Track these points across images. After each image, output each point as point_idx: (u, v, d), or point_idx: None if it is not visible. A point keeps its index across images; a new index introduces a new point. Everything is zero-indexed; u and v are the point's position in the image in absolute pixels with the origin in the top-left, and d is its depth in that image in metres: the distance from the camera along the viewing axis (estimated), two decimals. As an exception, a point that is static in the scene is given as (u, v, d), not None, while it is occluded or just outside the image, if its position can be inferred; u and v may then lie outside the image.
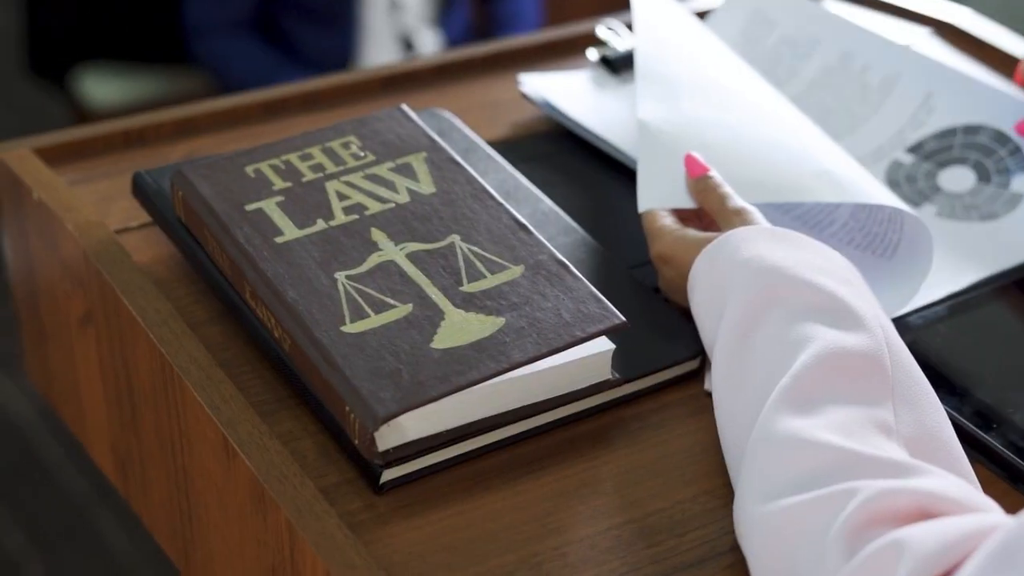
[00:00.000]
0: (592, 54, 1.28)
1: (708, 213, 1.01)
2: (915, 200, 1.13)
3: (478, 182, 1.01)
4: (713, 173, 1.02)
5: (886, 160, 1.16)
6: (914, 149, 1.16)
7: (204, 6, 2.77)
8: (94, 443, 1.14)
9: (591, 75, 1.26)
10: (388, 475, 0.87)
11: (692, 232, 0.99)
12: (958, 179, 1.14)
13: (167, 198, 1.02)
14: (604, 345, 0.93)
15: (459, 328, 0.90)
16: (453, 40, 2.79)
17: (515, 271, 0.94)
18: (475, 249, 0.96)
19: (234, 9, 2.76)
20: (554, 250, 0.96)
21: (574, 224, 1.07)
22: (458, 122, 1.16)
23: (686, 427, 0.95)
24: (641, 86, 1.10)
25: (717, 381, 0.89)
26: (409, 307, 0.91)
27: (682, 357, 0.98)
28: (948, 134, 1.16)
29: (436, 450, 0.88)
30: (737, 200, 1.00)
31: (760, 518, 0.80)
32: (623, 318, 0.92)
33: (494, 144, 1.18)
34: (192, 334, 0.96)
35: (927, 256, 1.02)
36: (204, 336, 0.98)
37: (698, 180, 1.02)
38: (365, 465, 0.88)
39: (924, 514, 0.74)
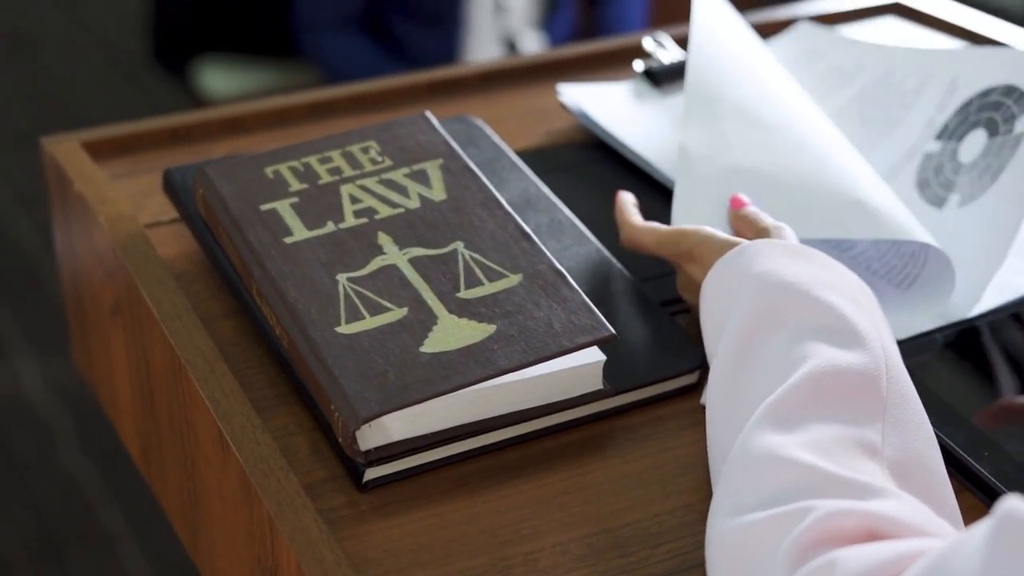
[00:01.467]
0: (638, 66, 1.29)
1: (746, 237, 1.02)
2: (941, 195, 1.12)
3: (489, 190, 1.03)
4: (752, 207, 1.03)
5: (918, 156, 1.16)
6: (940, 134, 1.15)
7: (314, 2, 2.82)
8: (124, 427, 1.18)
9: (632, 87, 1.27)
10: (371, 474, 0.90)
11: (721, 235, 1.00)
12: (973, 145, 1.13)
13: (192, 195, 1.06)
14: (595, 356, 0.95)
15: (450, 333, 0.92)
16: (557, 43, 2.82)
17: (513, 279, 0.96)
18: (476, 256, 0.98)
19: (343, 6, 2.81)
20: (554, 260, 0.98)
21: (590, 235, 1.09)
22: (488, 129, 1.18)
23: (677, 440, 0.96)
24: (688, 105, 1.11)
25: (711, 393, 0.90)
26: (404, 311, 0.94)
27: (679, 371, 0.99)
28: (965, 106, 1.15)
29: (420, 452, 0.91)
30: (770, 219, 1.01)
31: (723, 533, 0.81)
32: (612, 330, 0.93)
33: (528, 152, 1.20)
34: (202, 328, 0.99)
35: (944, 294, 1.02)
36: (216, 331, 1.01)
37: (737, 211, 1.03)
38: (351, 463, 0.90)
39: (872, 536, 0.74)
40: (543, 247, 0.99)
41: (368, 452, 0.89)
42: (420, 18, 2.75)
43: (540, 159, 1.20)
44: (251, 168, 1.04)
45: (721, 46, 1.17)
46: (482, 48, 2.74)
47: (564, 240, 1.08)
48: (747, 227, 1.02)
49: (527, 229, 1.00)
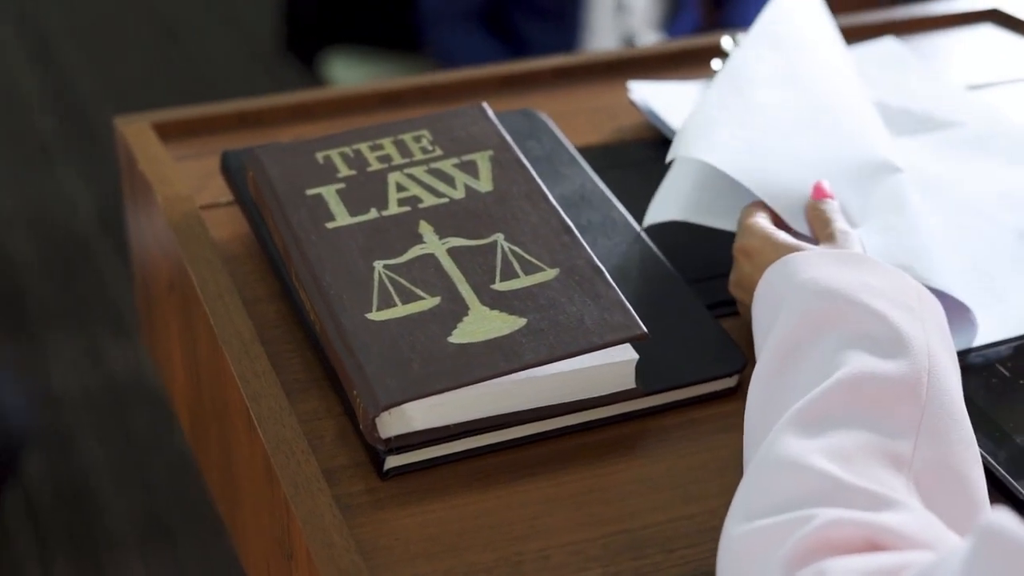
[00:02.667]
0: (716, 65, 1.27)
1: (816, 230, 1.01)
2: None
3: (536, 183, 1.02)
4: (833, 202, 1.01)
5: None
6: None
7: (438, -5, 2.84)
8: (178, 403, 1.20)
9: (703, 87, 1.25)
10: (392, 462, 0.90)
11: (783, 236, 0.98)
12: None
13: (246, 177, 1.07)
14: (628, 354, 0.93)
15: (480, 325, 0.92)
16: (678, 44, 2.79)
17: (549, 273, 0.95)
18: (516, 249, 0.97)
19: (465, 1, 2.82)
20: (593, 256, 0.97)
21: (642, 234, 1.08)
22: (551, 124, 1.17)
23: (708, 444, 0.94)
24: (711, 89, 1.10)
25: (750, 397, 0.89)
26: (437, 300, 0.93)
27: (717, 374, 0.97)
28: None
29: (442, 443, 0.90)
30: (841, 224, 0.99)
31: (732, 538, 0.79)
32: (644, 329, 0.92)
33: (594, 148, 1.19)
34: (242, 309, 1.00)
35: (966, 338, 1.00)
36: (258, 313, 1.02)
37: (816, 203, 1.01)
38: (374, 450, 0.90)
39: (872, 547, 0.72)
40: (583, 242, 0.98)
41: (389, 440, 0.89)
42: (541, 15, 2.75)
43: (606, 155, 1.19)
44: (302, 152, 1.04)
45: (775, 42, 1.15)
46: (601, 46, 2.72)
47: (615, 238, 1.07)
48: (818, 224, 1.00)
49: (569, 223, 0.99)
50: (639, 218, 1.09)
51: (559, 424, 0.93)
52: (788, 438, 0.81)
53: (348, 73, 3.19)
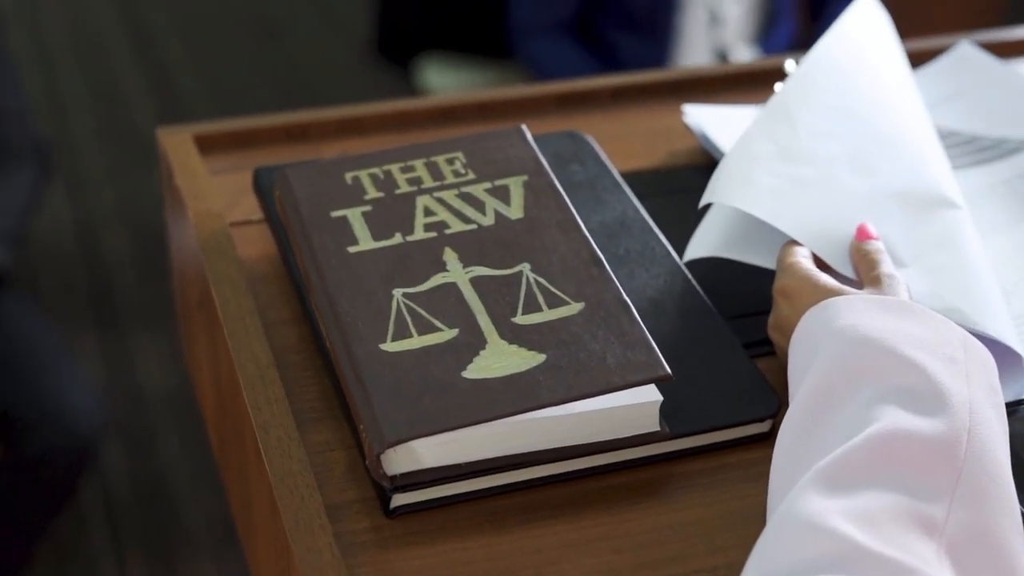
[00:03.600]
0: (779, 88, 1.22)
1: (861, 274, 0.96)
2: None
3: (569, 211, 0.98)
4: (878, 243, 0.96)
5: None
6: None
7: (529, 5, 2.81)
8: (208, 420, 1.17)
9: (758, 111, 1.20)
10: (399, 500, 0.86)
11: (825, 278, 0.93)
12: None
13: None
14: (651, 395, 0.89)
15: (497, 360, 0.88)
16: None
17: (573, 308, 0.91)
18: (541, 280, 0.93)
19: (557, 11, 2.78)
20: (621, 291, 0.92)
21: (682, 266, 1.03)
22: (596, 147, 1.13)
23: (736, 492, 0.90)
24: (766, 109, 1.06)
25: (777, 447, 0.84)
26: (454, 332, 0.90)
27: (749, 418, 0.93)
28: None
29: (451, 482, 0.87)
30: (887, 267, 0.94)
31: None
32: (667, 370, 0.88)
33: (644, 173, 1.15)
34: (262, 332, 0.97)
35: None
36: (280, 336, 0.99)
37: (860, 245, 0.96)
38: (382, 486, 0.87)
39: None
40: (612, 276, 0.93)
41: (395, 477, 0.85)
42: (633, 27, 2.70)
43: (655, 180, 1.15)
44: (332, 172, 1.01)
45: (834, 67, 1.10)
46: (693, 59, 2.67)
47: (653, 269, 1.02)
48: (863, 266, 0.95)
49: (599, 255, 0.95)
50: (681, 248, 1.05)
51: (578, 466, 0.90)
52: (810, 495, 0.76)
53: (442, 79, 3.17)
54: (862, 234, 0.97)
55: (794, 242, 0.97)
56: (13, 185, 2.32)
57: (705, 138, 1.17)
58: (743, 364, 0.96)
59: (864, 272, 0.94)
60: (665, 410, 0.91)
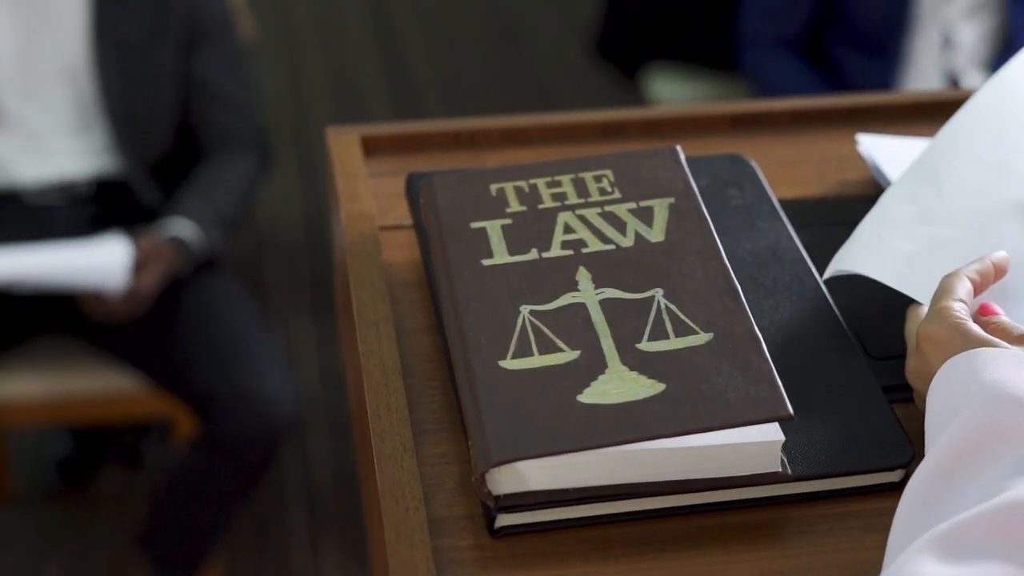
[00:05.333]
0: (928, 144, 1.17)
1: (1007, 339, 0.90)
2: None
3: (711, 237, 0.95)
4: (1003, 317, 0.91)
5: None
6: None
7: (756, 19, 2.77)
8: (354, 423, 1.18)
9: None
10: (504, 520, 0.85)
11: (976, 329, 0.88)
12: None
13: (423, 203, 1.04)
14: (773, 434, 0.86)
15: (615, 386, 0.86)
16: (1008, 84, 2.62)
17: (701, 338, 0.89)
18: (672, 307, 0.91)
19: (784, 27, 2.73)
20: (753, 324, 0.89)
21: (830, 301, 0.99)
22: (758, 172, 1.10)
23: (855, 543, 0.86)
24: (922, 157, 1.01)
25: (903, 502, 0.80)
26: (576, 354, 0.88)
27: (879, 466, 0.89)
28: None
29: (557, 506, 0.85)
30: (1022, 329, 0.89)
31: None
32: (790, 410, 0.84)
33: (808, 200, 1.12)
34: (394, 339, 0.97)
35: None
36: (413, 344, 0.99)
37: (988, 319, 0.90)
38: (488, 505, 0.86)
39: None
40: (746, 307, 0.90)
41: (500, 497, 0.84)
42: (861, 46, 2.63)
43: (819, 209, 1.11)
44: (477, 183, 1.01)
45: (991, 114, 1.04)
46: (921, 82, 2.59)
47: (799, 303, 0.99)
48: (999, 334, 0.89)
49: (736, 285, 0.92)
50: (832, 281, 1.01)
51: (691, 501, 0.87)
52: (923, 559, 0.72)
53: (667, 88, 3.14)
54: (985, 310, 0.91)
55: (953, 283, 0.92)
56: (234, 172, 2.39)
57: (876, 169, 1.13)
58: (880, 408, 0.92)
59: (1004, 335, 0.89)
60: (790, 450, 0.88)
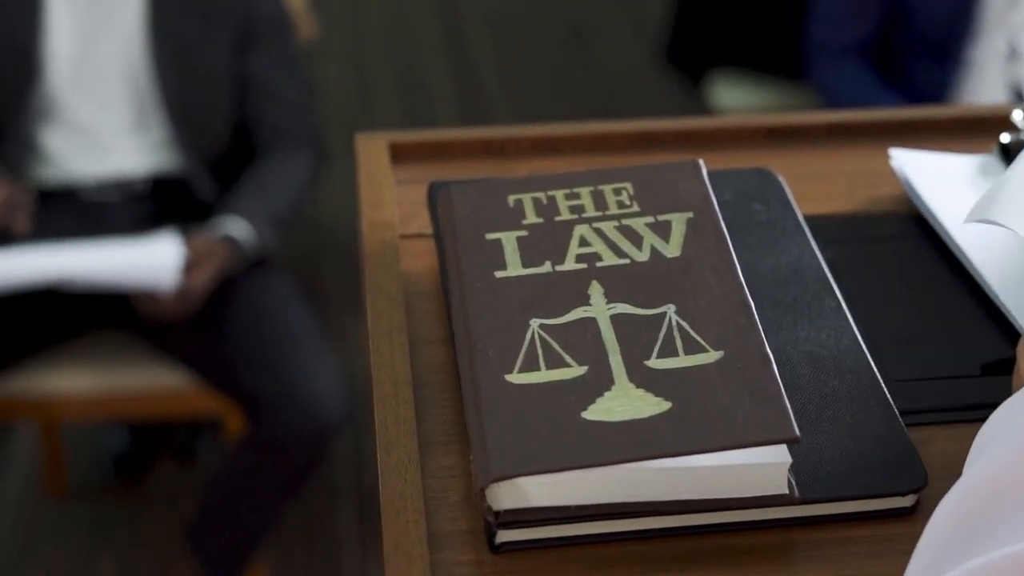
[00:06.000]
0: (1005, 138, 1.15)
1: None
2: None
3: (728, 254, 0.94)
4: None
5: None
6: None
7: (826, 26, 2.74)
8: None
9: (979, 161, 1.13)
10: (505, 536, 0.85)
11: None
12: None
13: (443, 212, 1.04)
14: (780, 456, 0.85)
15: (620, 403, 0.85)
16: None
17: (711, 356, 0.87)
18: (683, 324, 0.90)
19: (853, 34, 2.70)
20: (765, 343, 0.88)
21: (851, 322, 0.97)
22: (784, 186, 1.09)
23: (859, 568, 0.84)
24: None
25: (933, 520, 0.76)
26: (583, 370, 0.87)
27: (888, 490, 0.87)
28: None
29: (558, 523, 0.84)
30: None
31: None
32: (796, 432, 0.83)
33: (837, 216, 1.10)
34: (406, 349, 0.96)
35: None
36: (427, 354, 0.98)
37: None
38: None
39: None
40: (759, 326, 0.89)
41: (500, 512, 0.84)
42: (929, 52, 2.60)
43: (847, 226, 1.09)
44: (495, 193, 1.00)
45: None
46: (986, 92, 2.55)
47: (819, 322, 0.97)
48: None
49: (750, 303, 0.91)
50: (856, 300, 0.99)
51: (695, 521, 0.86)
52: None
53: (731, 96, 3.12)
54: None
55: None
56: (288, 171, 2.40)
57: (908, 185, 1.11)
58: (895, 432, 0.90)
59: None
60: (799, 471, 0.86)
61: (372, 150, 1.17)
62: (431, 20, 4.53)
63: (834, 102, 2.72)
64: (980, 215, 0.92)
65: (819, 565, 0.85)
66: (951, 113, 1.24)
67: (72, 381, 2.36)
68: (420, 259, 1.07)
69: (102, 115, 2.36)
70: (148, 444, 2.83)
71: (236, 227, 2.29)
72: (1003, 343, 0.98)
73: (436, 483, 0.89)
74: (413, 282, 1.04)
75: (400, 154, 1.18)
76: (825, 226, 1.08)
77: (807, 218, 1.09)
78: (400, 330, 0.98)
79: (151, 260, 2.20)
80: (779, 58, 3.06)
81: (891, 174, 1.15)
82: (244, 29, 2.35)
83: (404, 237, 1.08)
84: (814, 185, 1.14)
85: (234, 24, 2.34)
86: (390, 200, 1.11)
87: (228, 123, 2.40)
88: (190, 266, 2.22)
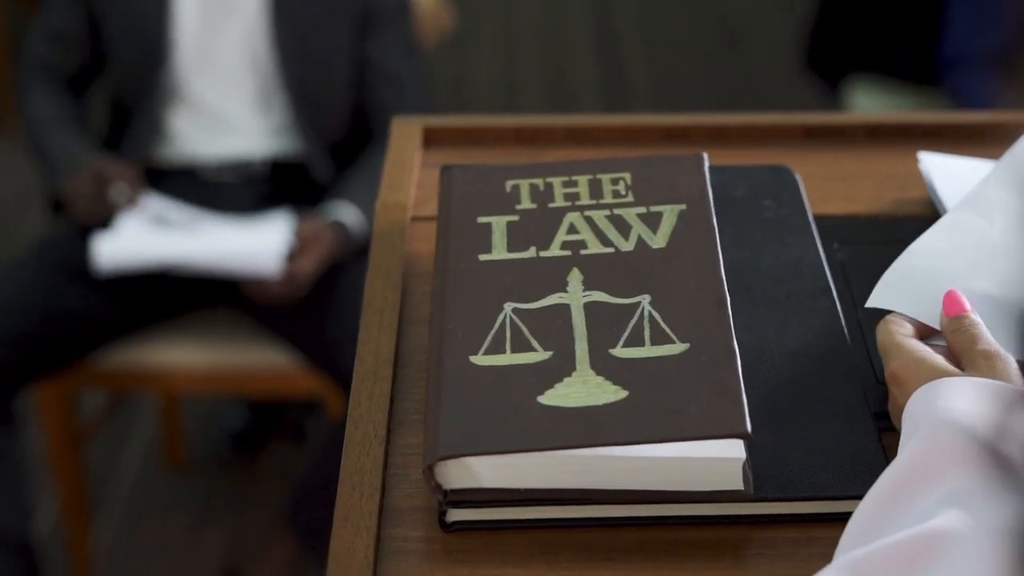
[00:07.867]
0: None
1: (957, 354, 0.86)
2: None
3: (713, 248, 0.93)
4: (972, 315, 0.86)
5: None
6: None
7: (963, 34, 2.68)
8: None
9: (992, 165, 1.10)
10: (456, 515, 0.85)
11: (931, 358, 0.84)
12: None
13: (451, 194, 1.04)
14: (735, 451, 0.84)
15: (576, 389, 0.85)
16: None
17: (676, 348, 0.87)
18: (655, 315, 0.89)
19: (989, 44, 2.64)
20: (733, 339, 0.87)
21: (843, 324, 0.96)
22: (799, 185, 1.07)
23: (812, 567, 0.83)
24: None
25: (851, 521, 0.78)
26: (547, 355, 0.87)
27: (849, 492, 0.85)
28: None
29: (505, 505, 0.85)
30: (989, 343, 0.84)
31: None
32: (747, 428, 0.82)
33: (858, 218, 1.09)
34: (394, 328, 0.97)
35: None
36: (415, 335, 0.99)
37: (952, 319, 0.87)
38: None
39: None
40: (731, 321, 0.88)
41: (448, 492, 0.84)
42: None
43: (867, 227, 1.07)
44: (494, 178, 1.01)
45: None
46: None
47: (811, 321, 0.96)
48: (961, 342, 0.85)
49: (726, 297, 0.90)
50: (861, 301, 0.97)
51: (646, 512, 0.85)
52: None
53: (867, 101, 3.06)
54: (953, 306, 0.87)
55: (890, 320, 0.88)
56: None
57: (931, 188, 1.08)
58: (866, 434, 0.88)
59: (963, 346, 0.85)
60: (760, 468, 0.85)
61: (404, 133, 1.19)
62: (583, 16, 4.53)
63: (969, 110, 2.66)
64: (879, 303, 0.92)
65: (772, 561, 0.84)
66: (992, 119, 1.20)
67: (185, 355, 2.42)
68: (426, 242, 1.07)
69: (226, 97, 2.42)
70: (264, 423, 2.88)
71: (346, 213, 2.32)
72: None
73: (401, 460, 0.90)
74: (415, 263, 1.05)
75: (434, 139, 1.19)
76: (845, 226, 1.07)
77: (829, 218, 1.07)
78: (392, 309, 0.99)
79: (255, 247, 2.25)
80: (917, 65, 3.00)
81: (920, 177, 1.12)
82: (363, 14, 2.39)
83: (417, 219, 1.09)
84: (843, 185, 1.13)
85: (354, 9, 2.37)
86: (408, 182, 1.12)
87: (347, 107, 2.43)
88: (297, 252, 2.26)
